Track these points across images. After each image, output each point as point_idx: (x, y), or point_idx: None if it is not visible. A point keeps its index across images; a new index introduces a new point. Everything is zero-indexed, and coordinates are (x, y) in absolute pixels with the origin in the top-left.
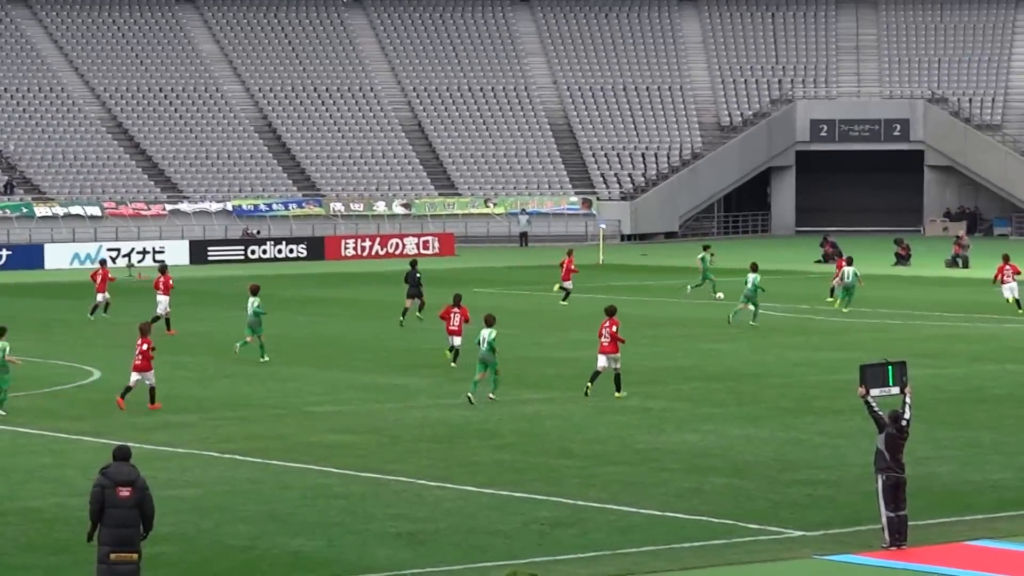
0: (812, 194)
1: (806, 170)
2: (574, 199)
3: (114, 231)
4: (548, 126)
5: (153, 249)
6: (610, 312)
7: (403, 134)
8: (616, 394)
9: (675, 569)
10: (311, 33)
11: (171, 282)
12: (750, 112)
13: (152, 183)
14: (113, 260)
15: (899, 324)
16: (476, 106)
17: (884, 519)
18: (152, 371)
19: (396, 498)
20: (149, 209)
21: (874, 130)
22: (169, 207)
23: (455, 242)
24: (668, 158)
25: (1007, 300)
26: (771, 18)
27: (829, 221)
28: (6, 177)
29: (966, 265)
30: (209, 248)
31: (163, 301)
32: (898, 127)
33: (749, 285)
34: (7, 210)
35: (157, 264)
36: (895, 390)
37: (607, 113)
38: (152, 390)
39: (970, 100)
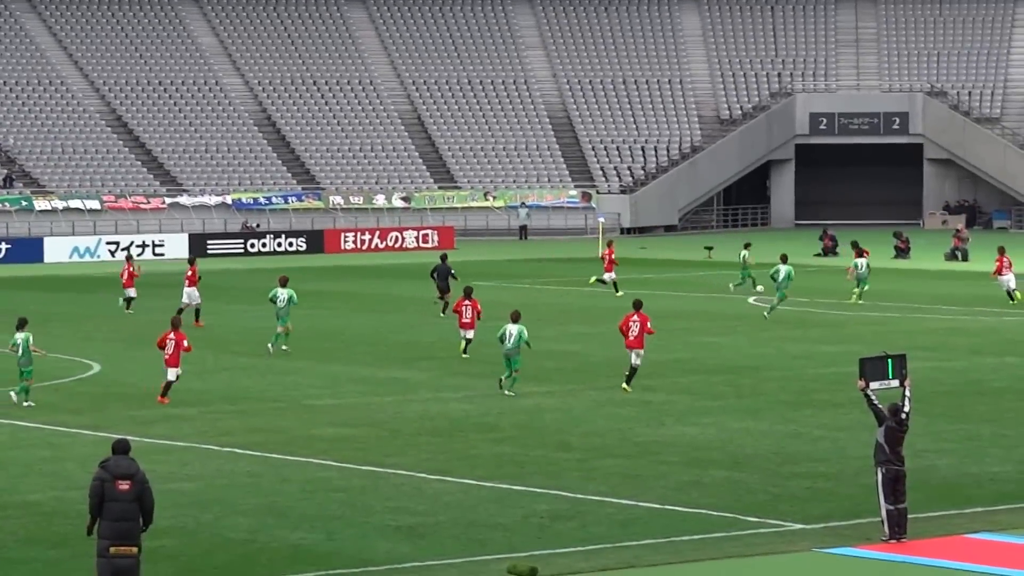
0: (811, 187)
1: (805, 163)
2: (573, 192)
3: (113, 224)
4: (548, 119)
5: (152, 243)
6: (637, 306)
7: (403, 127)
8: (624, 387)
9: (675, 562)
10: (310, 27)
11: (198, 274)
12: (749, 105)
13: (151, 176)
14: (112, 254)
15: (898, 317)
16: (476, 99)
17: (884, 512)
18: (179, 367)
19: (395, 491)
20: (148, 202)
21: (873, 123)
22: (168, 200)
23: (455, 235)
24: (667, 151)
25: (1007, 292)
26: (770, 11)
27: (828, 214)
28: (5, 171)
29: (965, 258)
30: (208, 241)
31: (190, 293)
32: (897, 120)
33: (782, 276)
34: (6, 203)
35: (187, 257)
36: (895, 383)
37: (607, 106)
38: (168, 384)
39: (969, 93)
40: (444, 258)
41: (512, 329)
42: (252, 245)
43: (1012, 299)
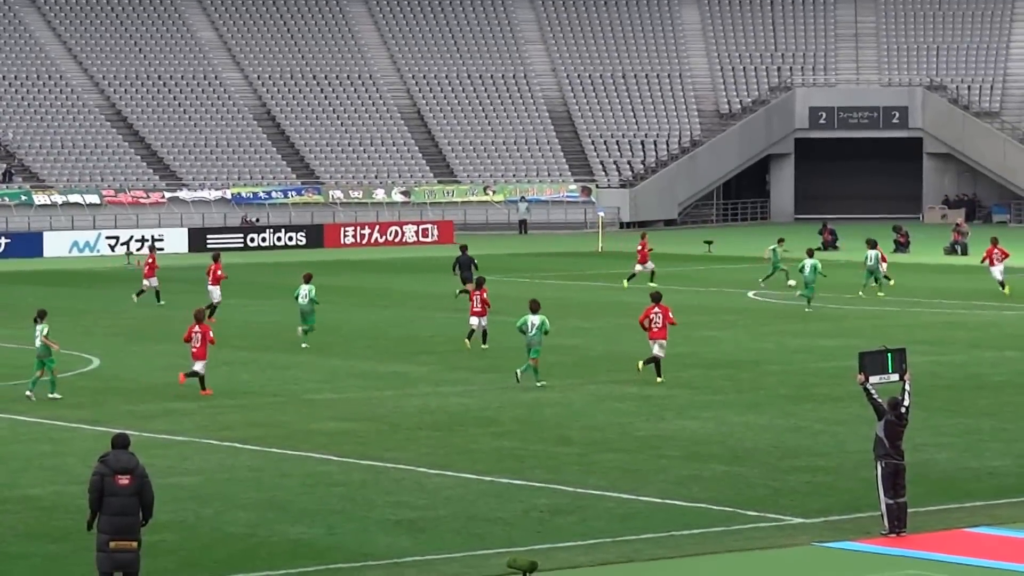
0: (811, 181)
1: (805, 157)
2: (573, 186)
3: (113, 219)
4: (547, 113)
5: (152, 237)
6: (655, 298)
7: (402, 122)
8: (658, 379)
9: (675, 556)
10: (310, 20)
11: (220, 271)
12: (749, 99)
13: (151, 171)
14: (112, 248)
15: (898, 311)
16: (475, 94)
17: (883, 506)
18: (205, 360)
19: (396, 486)
20: (148, 197)
21: (873, 117)
22: (168, 195)
23: (454, 230)
24: (667, 145)
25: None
26: (770, 6)
27: (828, 208)
28: (4, 165)
29: (965, 252)
30: (208, 236)
31: (212, 291)
32: (897, 114)
33: (807, 271)
34: (6, 198)
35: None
36: (894, 377)
37: (606, 100)
38: (200, 377)
39: (969, 87)
40: (464, 248)
41: (534, 320)
42: (252, 239)
43: (1003, 288)
